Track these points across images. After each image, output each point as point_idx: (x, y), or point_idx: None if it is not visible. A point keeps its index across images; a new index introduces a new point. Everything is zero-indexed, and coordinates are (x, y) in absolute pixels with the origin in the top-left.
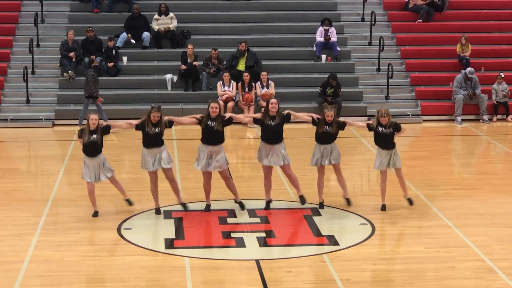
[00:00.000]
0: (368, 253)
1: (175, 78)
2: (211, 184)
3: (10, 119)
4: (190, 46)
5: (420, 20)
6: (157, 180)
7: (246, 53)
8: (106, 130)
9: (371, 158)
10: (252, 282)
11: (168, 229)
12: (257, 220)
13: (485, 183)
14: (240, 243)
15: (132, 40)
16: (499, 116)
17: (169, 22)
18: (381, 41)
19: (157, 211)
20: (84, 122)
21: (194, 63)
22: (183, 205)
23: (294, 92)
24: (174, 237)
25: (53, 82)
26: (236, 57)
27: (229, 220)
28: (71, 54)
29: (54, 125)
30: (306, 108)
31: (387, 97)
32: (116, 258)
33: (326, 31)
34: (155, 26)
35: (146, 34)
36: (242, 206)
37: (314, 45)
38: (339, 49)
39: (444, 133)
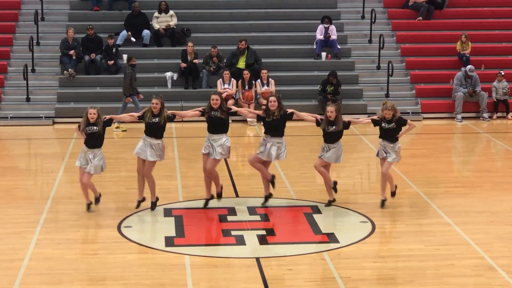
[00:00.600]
0: (368, 251)
1: (175, 76)
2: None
3: (10, 117)
4: (190, 44)
5: (420, 18)
6: (141, 170)
7: (246, 51)
8: (108, 122)
9: (371, 156)
10: (252, 280)
11: (168, 227)
12: (257, 218)
13: (485, 181)
14: (240, 241)
15: (132, 38)
16: (499, 114)
17: (169, 20)
18: (381, 39)
19: (138, 205)
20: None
21: (194, 61)
22: (152, 203)
23: (294, 90)
24: (174, 235)
25: (53, 80)
26: (236, 55)
27: (229, 218)
28: (71, 52)
29: (54, 123)
30: (306, 105)
31: (387, 95)
32: (116, 256)
33: (326, 29)
34: (155, 24)
35: (146, 32)
36: (218, 196)
37: (314, 43)
38: (339, 47)
39: (444, 131)
